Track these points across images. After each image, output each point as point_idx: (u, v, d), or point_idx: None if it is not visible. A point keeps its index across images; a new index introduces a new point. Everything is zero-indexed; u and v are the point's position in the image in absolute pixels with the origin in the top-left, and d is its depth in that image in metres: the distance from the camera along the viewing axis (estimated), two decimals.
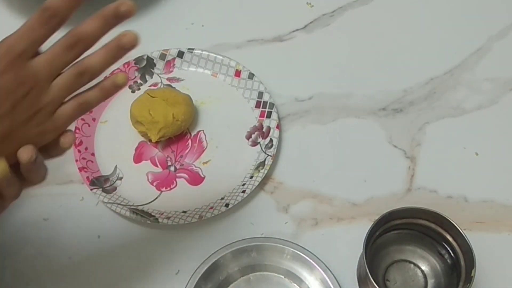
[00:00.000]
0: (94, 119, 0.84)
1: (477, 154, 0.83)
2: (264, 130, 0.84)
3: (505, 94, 0.89)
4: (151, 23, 0.96)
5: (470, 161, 0.83)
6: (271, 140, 0.82)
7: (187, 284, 0.70)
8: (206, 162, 0.82)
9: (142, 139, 0.83)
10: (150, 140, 0.81)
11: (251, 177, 0.79)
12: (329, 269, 0.71)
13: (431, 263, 0.73)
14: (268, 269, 0.73)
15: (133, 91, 0.87)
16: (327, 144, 0.84)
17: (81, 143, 0.81)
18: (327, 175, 0.82)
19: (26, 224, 0.78)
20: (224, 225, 0.77)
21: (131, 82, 0.88)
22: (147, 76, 0.89)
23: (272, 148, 0.81)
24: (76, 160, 0.79)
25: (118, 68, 0.87)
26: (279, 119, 0.84)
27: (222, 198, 0.78)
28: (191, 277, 0.70)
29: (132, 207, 0.76)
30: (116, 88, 0.51)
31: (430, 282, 0.72)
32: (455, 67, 0.92)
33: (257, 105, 0.86)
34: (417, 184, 0.81)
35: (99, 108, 0.84)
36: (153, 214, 0.76)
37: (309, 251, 0.72)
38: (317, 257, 0.72)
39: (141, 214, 0.75)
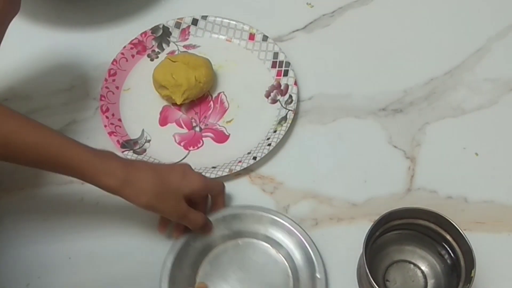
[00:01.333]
0: (117, 87, 0.87)
1: (477, 154, 0.83)
2: (282, 88, 0.87)
3: (505, 95, 0.89)
4: None
5: (470, 161, 0.83)
6: (290, 96, 0.86)
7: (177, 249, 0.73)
8: (229, 121, 0.86)
9: (165, 103, 0.87)
10: (174, 104, 0.86)
11: (275, 131, 0.83)
12: (306, 233, 0.73)
13: (431, 263, 0.73)
14: (251, 236, 0.75)
15: (151, 60, 0.91)
16: (327, 144, 0.85)
17: (107, 109, 0.84)
18: (327, 175, 0.82)
19: (26, 224, 0.78)
20: None
21: (149, 51, 0.91)
22: (164, 45, 0.92)
23: (292, 104, 0.85)
24: (105, 126, 0.82)
25: (136, 38, 0.90)
26: (296, 76, 0.87)
27: (249, 153, 0.81)
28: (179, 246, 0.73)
29: None
30: None
31: (430, 282, 0.72)
32: (455, 67, 0.92)
33: (273, 65, 0.89)
34: (417, 184, 0.81)
35: (121, 76, 0.88)
36: None
37: (289, 219, 0.75)
38: (295, 223, 0.74)
39: None
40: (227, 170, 0.79)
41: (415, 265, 0.73)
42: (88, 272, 0.74)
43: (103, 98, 0.85)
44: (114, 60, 0.88)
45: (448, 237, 0.70)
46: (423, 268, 0.73)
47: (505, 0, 0.99)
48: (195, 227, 0.73)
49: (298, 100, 0.88)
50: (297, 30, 0.95)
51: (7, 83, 0.89)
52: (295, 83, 0.86)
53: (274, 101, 0.87)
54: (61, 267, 0.74)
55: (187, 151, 0.83)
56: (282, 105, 0.86)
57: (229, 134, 0.85)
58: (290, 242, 0.74)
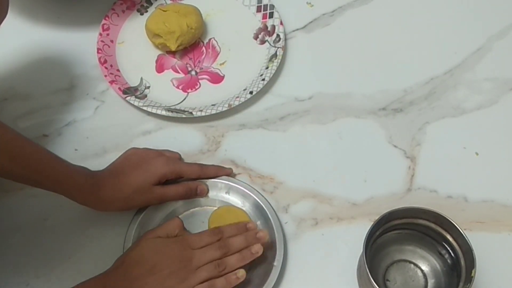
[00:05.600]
0: (112, 41, 0.92)
1: (477, 154, 0.83)
2: (269, 29, 0.92)
3: (505, 94, 0.89)
4: None
5: (470, 161, 0.83)
6: (278, 35, 0.91)
7: (142, 214, 0.76)
8: (222, 63, 0.91)
9: (160, 52, 0.92)
10: (168, 52, 0.91)
11: (267, 68, 0.88)
12: (261, 195, 0.77)
13: (431, 263, 0.73)
14: (211, 203, 0.78)
15: (141, 14, 0.96)
16: (327, 144, 0.84)
17: (105, 61, 0.88)
18: (327, 175, 0.82)
19: (26, 224, 0.78)
20: None
21: (138, 6, 0.96)
22: None
23: (280, 42, 0.90)
24: (105, 76, 0.87)
25: None
26: (280, 16, 0.92)
27: (245, 89, 0.86)
28: (145, 210, 0.76)
29: (166, 107, 0.85)
30: (236, 279, 0.69)
31: (430, 282, 0.72)
32: (455, 66, 0.91)
33: (258, 9, 0.95)
34: (417, 184, 0.81)
35: (114, 31, 0.93)
36: (186, 110, 0.84)
37: (244, 183, 0.78)
38: (250, 186, 0.78)
39: (176, 111, 0.84)
40: (226, 105, 0.84)
41: (415, 264, 0.73)
42: (89, 272, 0.74)
43: (100, 51, 0.89)
44: (106, 15, 0.93)
45: (448, 236, 0.70)
46: (423, 267, 0.73)
47: (505, 0, 0.99)
48: (183, 197, 0.77)
49: (298, 100, 0.88)
50: (297, 29, 0.95)
51: (6, 83, 0.89)
52: (281, 23, 0.92)
53: (263, 42, 0.92)
54: (61, 266, 0.74)
55: (186, 93, 0.88)
56: (271, 44, 0.91)
57: (224, 74, 0.90)
58: (247, 204, 0.77)
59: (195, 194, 0.77)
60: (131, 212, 0.76)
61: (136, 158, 0.76)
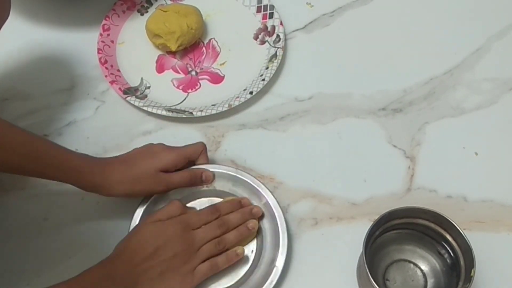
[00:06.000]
0: (112, 41, 0.92)
1: (476, 154, 0.84)
2: (269, 29, 0.93)
3: (504, 94, 0.89)
4: None
5: (470, 161, 0.83)
6: (277, 36, 0.92)
7: (145, 206, 0.75)
8: (223, 64, 0.91)
9: (160, 52, 0.92)
10: (168, 52, 0.91)
11: (267, 68, 0.88)
12: (267, 188, 0.77)
13: (431, 262, 0.73)
14: (213, 195, 0.78)
15: (142, 14, 0.96)
16: (327, 144, 0.85)
17: (106, 61, 0.89)
18: (327, 175, 0.82)
19: (26, 224, 0.78)
20: None
21: (138, 7, 0.96)
22: (152, 0, 0.98)
23: (280, 42, 0.91)
24: (106, 76, 0.87)
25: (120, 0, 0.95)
26: (280, 17, 0.93)
27: (245, 89, 0.87)
28: (147, 202, 0.76)
29: (166, 107, 0.85)
30: (236, 256, 0.71)
31: (430, 281, 0.72)
32: (455, 67, 0.92)
33: (258, 10, 0.95)
34: (417, 183, 0.81)
35: (114, 31, 0.93)
36: (186, 110, 0.84)
37: (251, 175, 0.78)
38: (256, 179, 0.77)
39: (176, 111, 0.84)
40: (226, 105, 0.85)
41: (415, 264, 0.74)
42: None
43: (100, 51, 0.89)
44: (107, 16, 0.93)
45: (448, 236, 0.70)
46: (422, 267, 0.73)
47: (504, 0, 0.99)
48: (189, 184, 0.76)
49: (298, 100, 0.88)
50: (297, 30, 0.95)
51: (7, 83, 0.89)
52: (281, 23, 0.92)
53: (263, 42, 0.92)
54: (61, 266, 0.75)
55: (186, 93, 0.88)
56: (270, 45, 0.91)
57: (224, 75, 0.90)
58: (252, 197, 0.77)
59: (200, 181, 0.77)
60: (132, 208, 0.76)
61: (146, 148, 0.76)
